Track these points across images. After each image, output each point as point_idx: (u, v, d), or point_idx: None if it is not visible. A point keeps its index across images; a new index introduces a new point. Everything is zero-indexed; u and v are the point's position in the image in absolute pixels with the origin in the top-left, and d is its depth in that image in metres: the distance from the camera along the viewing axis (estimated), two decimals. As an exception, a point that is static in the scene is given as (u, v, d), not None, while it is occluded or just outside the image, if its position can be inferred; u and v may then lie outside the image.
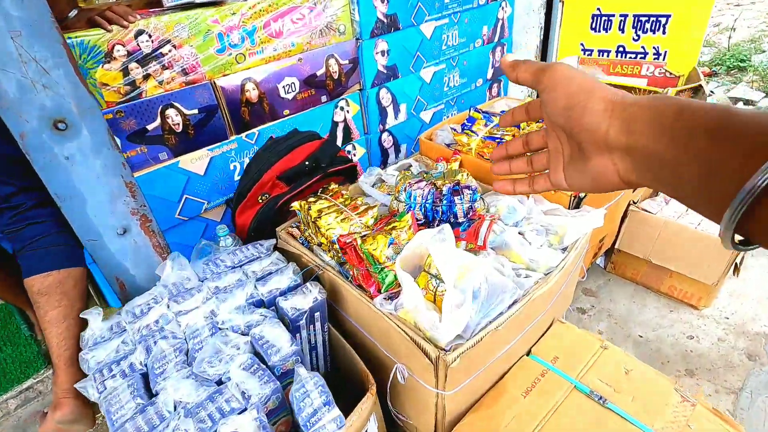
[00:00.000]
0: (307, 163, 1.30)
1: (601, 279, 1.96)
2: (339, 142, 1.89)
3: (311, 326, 1.08)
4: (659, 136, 0.28)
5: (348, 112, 1.86)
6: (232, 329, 0.99)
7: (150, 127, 1.35)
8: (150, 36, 1.28)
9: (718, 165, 0.25)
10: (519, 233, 1.23)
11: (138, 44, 1.27)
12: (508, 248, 1.17)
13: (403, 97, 2.03)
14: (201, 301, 1.09)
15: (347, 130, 1.89)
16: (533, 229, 1.24)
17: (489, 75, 2.45)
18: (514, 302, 0.98)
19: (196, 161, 1.47)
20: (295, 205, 1.24)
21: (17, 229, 1.02)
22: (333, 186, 1.34)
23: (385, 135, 2.07)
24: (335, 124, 1.83)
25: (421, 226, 1.25)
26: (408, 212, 1.12)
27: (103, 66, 1.24)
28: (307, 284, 1.10)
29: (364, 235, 1.07)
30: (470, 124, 1.57)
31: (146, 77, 1.31)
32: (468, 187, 1.21)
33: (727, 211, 0.24)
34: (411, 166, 1.62)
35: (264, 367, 0.87)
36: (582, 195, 1.33)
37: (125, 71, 1.27)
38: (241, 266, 1.19)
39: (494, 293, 0.94)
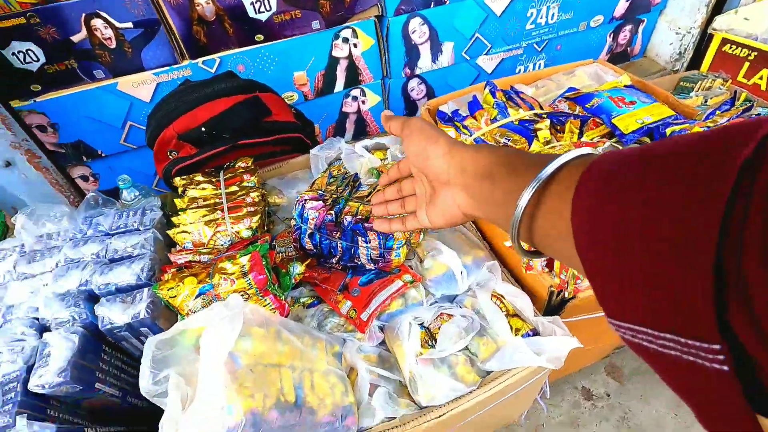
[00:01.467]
0: (203, 129, 0.98)
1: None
2: (341, 85, 1.47)
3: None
4: (481, 178, 0.36)
5: (355, 46, 1.39)
6: (31, 322, 0.85)
7: (75, 38, 1.14)
8: None
9: (508, 197, 0.32)
10: (440, 317, 0.80)
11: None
12: (395, 338, 0.76)
13: (449, 32, 1.44)
14: (53, 265, 0.97)
15: (353, 71, 1.44)
16: (463, 315, 0.79)
17: (619, 9, 1.61)
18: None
19: (139, 85, 1.25)
20: (177, 180, 0.97)
21: None
22: (240, 164, 1.02)
23: (414, 82, 1.56)
24: (334, 61, 1.40)
25: (313, 258, 0.89)
26: (252, 250, 0.77)
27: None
28: (143, 291, 0.88)
29: (181, 268, 0.77)
30: (472, 111, 1.01)
31: (63, -24, 1.06)
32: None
33: (510, 231, 0.31)
34: (386, 148, 1.17)
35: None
36: (567, 296, 0.78)
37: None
38: (110, 236, 1.01)
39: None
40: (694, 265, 0.16)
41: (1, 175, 1.05)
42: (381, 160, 1.18)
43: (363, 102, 1.56)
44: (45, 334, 0.82)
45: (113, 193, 1.20)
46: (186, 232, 0.88)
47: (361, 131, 1.64)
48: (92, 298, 0.91)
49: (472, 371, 0.74)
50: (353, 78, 1.48)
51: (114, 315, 0.85)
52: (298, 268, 0.87)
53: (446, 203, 0.41)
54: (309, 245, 0.87)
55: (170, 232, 0.88)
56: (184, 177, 0.97)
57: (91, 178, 1.43)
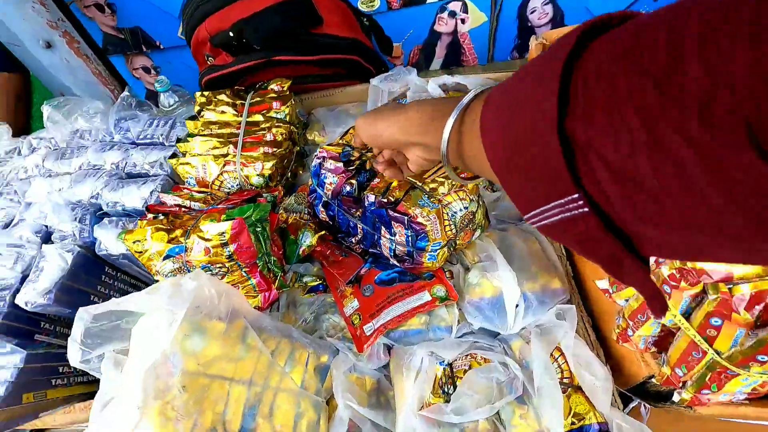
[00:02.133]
0: (231, 34, 0.76)
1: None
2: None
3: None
4: (421, 129, 0.39)
5: (465, 21, 1.02)
6: (39, 227, 0.80)
7: None
8: None
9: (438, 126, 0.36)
10: (471, 356, 0.57)
11: None
12: (401, 369, 0.56)
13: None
14: (77, 167, 0.90)
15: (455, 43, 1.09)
16: (504, 365, 0.55)
17: None
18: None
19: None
20: (198, 96, 0.80)
21: None
22: (273, 86, 0.80)
23: (537, 0, 1.15)
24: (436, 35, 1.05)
25: (328, 232, 0.68)
26: (237, 214, 0.58)
27: None
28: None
29: (165, 214, 0.62)
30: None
31: None
32: (412, 222, 0.54)
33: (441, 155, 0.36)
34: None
35: None
36: (678, 402, 0.48)
37: None
38: (135, 146, 0.91)
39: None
40: (548, 139, 0.21)
41: (44, 56, 0.97)
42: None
43: (462, 21, 1.19)
44: (44, 246, 0.76)
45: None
46: (189, 165, 0.72)
47: (454, 59, 1.30)
48: (100, 215, 0.83)
49: (492, 450, 0.52)
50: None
51: (110, 242, 0.76)
52: (309, 239, 0.68)
53: (414, 161, 0.45)
54: (323, 215, 0.66)
55: (172, 162, 0.73)
56: (205, 93, 0.78)
57: (152, 71, 1.33)
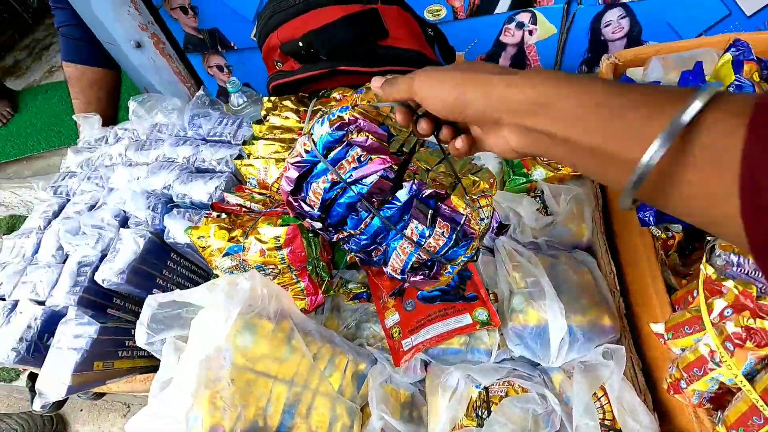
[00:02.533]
0: (301, 44, 0.79)
1: None
2: (505, 5, 1.10)
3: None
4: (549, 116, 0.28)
5: (532, 32, 1.00)
6: (118, 212, 0.88)
7: None
8: None
9: (610, 143, 0.25)
10: (508, 383, 0.56)
11: None
12: (436, 388, 0.56)
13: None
14: (154, 158, 0.99)
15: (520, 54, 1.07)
16: (542, 396, 0.53)
17: None
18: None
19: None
20: (265, 101, 0.84)
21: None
22: (336, 94, 0.82)
23: (614, 13, 1.09)
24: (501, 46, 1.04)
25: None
26: (292, 221, 0.60)
27: None
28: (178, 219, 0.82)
29: (227, 214, 0.66)
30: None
31: None
32: (467, 225, 0.49)
33: (626, 186, 0.24)
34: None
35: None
36: None
37: None
38: (205, 142, 0.97)
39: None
40: None
41: (134, 55, 1.07)
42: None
43: (530, 32, 1.16)
44: (121, 230, 0.84)
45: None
46: (252, 166, 0.77)
47: (518, 71, 1.27)
48: (171, 205, 0.91)
49: (522, 484, 0.52)
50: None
51: (177, 231, 0.83)
52: (356, 247, 0.70)
53: (498, 146, 0.34)
54: (315, 195, 0.47)
55: (237, 162, 0.78)
56: (272, 99, 0.83)
57: (225, 69, 1.42)
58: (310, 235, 0.63)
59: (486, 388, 0.58)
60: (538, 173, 0.72)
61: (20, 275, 0.85)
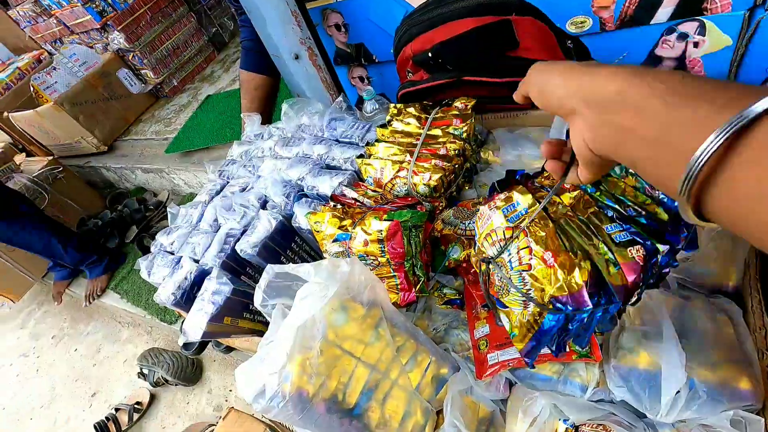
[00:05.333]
0: (430, 54, 0.83)
1: None
2: (666, 14, 0.98)
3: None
4: (613, 106, 0.27)
5: (698, 44, 0.88)
6: (260, 195, 1.04)
7: (373, -63, 1.14)
8: None
9: (666, 134, 0.24)
10: (603, 427, 0.50)
11: None
12: (518, 414, 0.53)
13: None
14: (295, 154, 1.14)
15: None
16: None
17: None
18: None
19: (418, -7, 1.19)
20: (391, 108, 0.90)
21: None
22: (458, 104, 0.84)
23: (819, 20, 0.89)
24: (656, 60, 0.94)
25: (470, 249, 0.68)
26: (396, 217, 0.63)
27: None
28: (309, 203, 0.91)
29: (342, 204, 0.73)
30: None
31: None
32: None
33: (680, 184, 0.23)
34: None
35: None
36: None
37: None
38: (338, 143, 1.08)
39: None
40: None
41: (293, 65, 1.24)
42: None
43: (695, 44, 1.00)
44: (260, 211, 0.98)
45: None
46: (371, 166, 0.83)
47: (676, 88, 1.11)
48: (301, 194, 1.03)
49: None
50: (691, 1, 0.96)
51: (302, 217, 0.94)
52: (457, 253, 0.71)
53: (575, 140, 0.32)
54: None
55: (358, 161, 0.85)
56: (398, 105, 0.88)
57: (365, 80, 1.55)
58: (412, 233, 0.66)
59: (576, 427, 0.52)
60: (678, 200, 0.63)
61: (186, 237, 1.05)
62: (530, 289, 0.46)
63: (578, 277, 0.43)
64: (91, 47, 2.55)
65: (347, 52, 1.47)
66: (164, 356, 1.63)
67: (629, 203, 0.48)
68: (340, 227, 0.68)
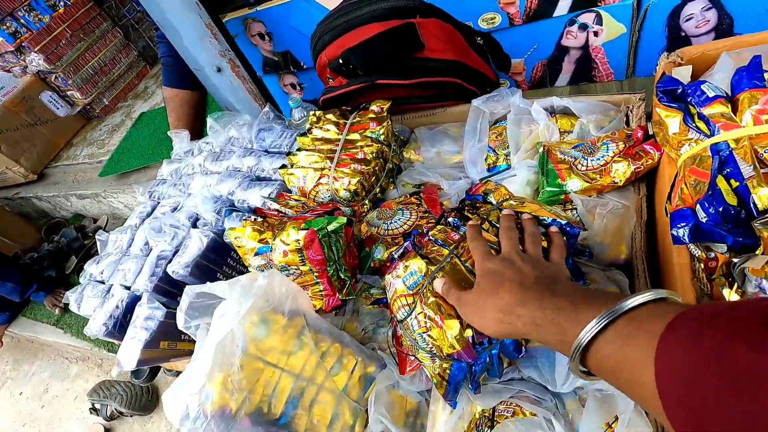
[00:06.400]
0: (340, 61, 0.84)
1: None
2: (565, 7, 1.04)
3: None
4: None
5: (598, 34, 0.95)
6: (191, 214, 1.02)
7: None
8: None
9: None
10: (514, 405, 0.53)
11: None
12: (438, 399, 0.55)
13: None
14: (225, 168, 1.12)
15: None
16: (549, 422, 0.50)
17: None
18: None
19: (334, -2, 1.20)
20: (311, 117, 0.91)
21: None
22: (374, 107, 0.86)
23: (696, 5, 0.98)
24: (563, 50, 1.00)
25: (392, 248, 0.71)
26: (311, 226, 0.64)
27: None
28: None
29: (263, 217, 0.73)
30: (737, 89, 0.52)
31: None
32: None
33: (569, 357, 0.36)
34: (575, 116, 0.78)
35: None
36: None
37: None
38: (267, 153, 1.08)
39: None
40: None
41: (216, 78, 1.23)
42: (563, 133, 0.81)
43: (595, 33, 1.08)
44: (191, 230, 0.97)
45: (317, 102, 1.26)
46: (294, 175, 0.83)
47: (584, 75, 1.18)
48: (232, 209, 1.02)
49: None
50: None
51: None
52: (380, 253, 0.73)
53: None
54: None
55: (281, 171, 0.86)
56: (317, 113, 0.89)
57: (297, 87, 1.55)
58: (332, 240, 0.67)
59: (493, 408, 0.56)
60: (573, 184, 0.67)
61: (116, 264, 1.02)
62: (432, 347, 0.50)
63: (460, 333, 0.48)
64: (8, 71, 2.39)
65: (275, 60, 1.47)
66: (116, 388, 1.57)
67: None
68: (260, 240, 0.69)
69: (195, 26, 1.09)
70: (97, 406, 1.59)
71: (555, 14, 1.08)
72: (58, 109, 2.46)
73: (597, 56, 1.13)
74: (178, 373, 1.48)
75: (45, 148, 2.42)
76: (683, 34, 1.02)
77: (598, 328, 0.33)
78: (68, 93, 2.47)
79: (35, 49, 2.22)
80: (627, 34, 1.07)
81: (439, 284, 0.51)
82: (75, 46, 2.38)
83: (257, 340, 0.58)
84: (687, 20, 1.00)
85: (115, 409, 1.54)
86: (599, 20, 1.06)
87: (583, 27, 1.09)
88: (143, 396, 1.57)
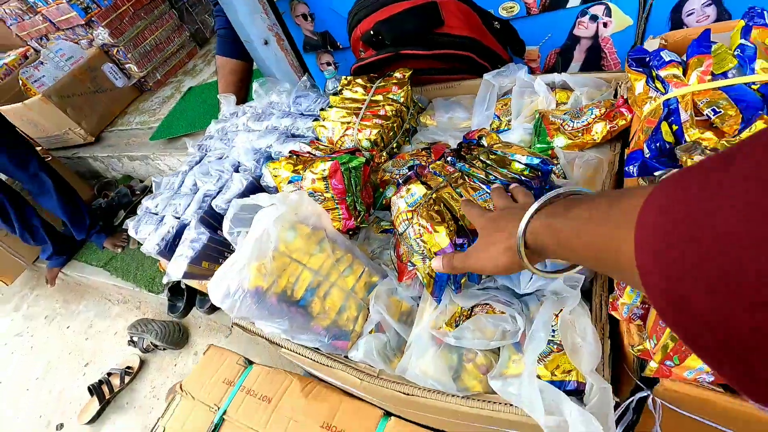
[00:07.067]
0: (371, 32, 0.98)
1: None
2: (578, -3, 1.15)
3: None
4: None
5: (607, 25, 1.05)
6: (234, 162, 1.18)
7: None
8: None
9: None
10: (486, 306, 0.66)
11: None
12: (427, 297, 0.69)
13: None
14: (265, 127, 1.28)
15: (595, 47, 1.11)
16: (513, 318, 0.62)
17: None
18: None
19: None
20: (342, 79, 1.06)
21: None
22: (397, 74, 1.00)
23: (695, 1, 1.07)
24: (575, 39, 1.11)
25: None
26: (338, 159, 0.79)
27: None
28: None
29: (297, 155, 0.88)
30: (690, 54, 0.63)
31: None
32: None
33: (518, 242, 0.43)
34: (570, 90, 0.89)
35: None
36: (649, 373, 0.48)
37: None
38: (303, 116, 1.23)
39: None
40: None
41: (263, 50, 1.39)
42: (560, 104, 0.93)
43: (605, 24, 1.18)
44: (234, 174, 1.13)
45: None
46: (324, 127, 0.98)
47: (593, 63, 1.28)
48: (269, 158, 1.18)
49: (479, 380, 0.62)
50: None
51: (268, 177, 1.09)
52: (391, 192, 0.87)
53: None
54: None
55: (314, 124, 1.01)
56: (348, 77, 1.04)
57: (332, 66, 1.70)
58: (352, 174, 0.81)
59: (471, 308, 0.68)
60: (559, 141, 0.79)
61: (168, 200, 1.20)
62: (424, 250, 0.63)
63: (446, 236, 0.60)
64: (77, 43, 2.66)
65: (315, 40, 1.62)
66: (153, 324, 1.77)
67: (492, 174, 0.66)
68: (293, 171, 0.84)
69: (248, 2, 1.25)
70: (135, 338, 1.79)
71: (568, 5, 1.19)
72: (116, 80, 2.72)
73: (606, 46, 1.23)
74: (212, 309, 1.67)
75: (103, 114, 2.67)
76: (685, 27, 1.11)
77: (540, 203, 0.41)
78: (126, 66, 2.72)
79: (102, 24, 2.47)
80: (633, 26, 1.16)
81: (437, 261, 0.58)
82: (135, 24, 2.62)
83: (287, 241, 0.73)
84: (689, 15, 1.09)
85: (151, 343, 1.73)
86: (608, 12, 1.16)
87: (594, 18, 1.19)
88: (176, 332, 1.75)
